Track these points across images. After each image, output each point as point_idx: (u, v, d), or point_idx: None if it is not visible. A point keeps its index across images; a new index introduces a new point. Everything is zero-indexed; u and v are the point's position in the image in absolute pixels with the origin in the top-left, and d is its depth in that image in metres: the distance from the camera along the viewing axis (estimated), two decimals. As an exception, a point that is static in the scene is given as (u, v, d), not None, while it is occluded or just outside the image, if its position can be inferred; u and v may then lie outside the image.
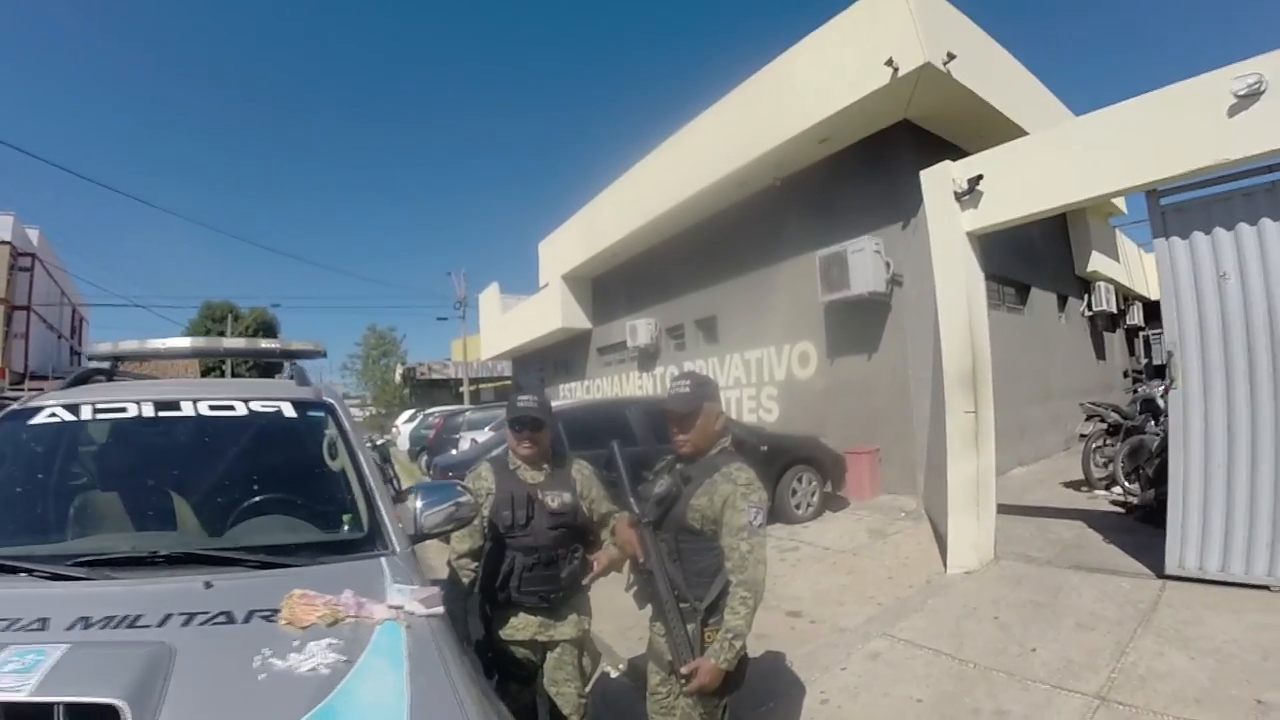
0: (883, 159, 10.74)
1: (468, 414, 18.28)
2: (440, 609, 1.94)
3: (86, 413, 2.82)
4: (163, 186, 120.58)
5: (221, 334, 45.84)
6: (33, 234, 37.84)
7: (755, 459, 8.60)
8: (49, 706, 1.35)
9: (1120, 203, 15.33)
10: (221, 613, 1.80)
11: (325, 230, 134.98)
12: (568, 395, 21.69)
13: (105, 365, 3.88)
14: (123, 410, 2.84)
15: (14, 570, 2.06)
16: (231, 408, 2.91)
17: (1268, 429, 5.20)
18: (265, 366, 30.67)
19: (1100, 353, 16.50)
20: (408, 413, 27.15)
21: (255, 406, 2.95)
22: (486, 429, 12.54)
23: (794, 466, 9.34)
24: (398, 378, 46.63)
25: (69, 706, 1.35)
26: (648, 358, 17.92)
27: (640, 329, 17.43)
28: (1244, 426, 5.32)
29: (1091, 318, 15.84)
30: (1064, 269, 15.10)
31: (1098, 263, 15.25)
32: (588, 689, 3.34)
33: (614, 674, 4.71)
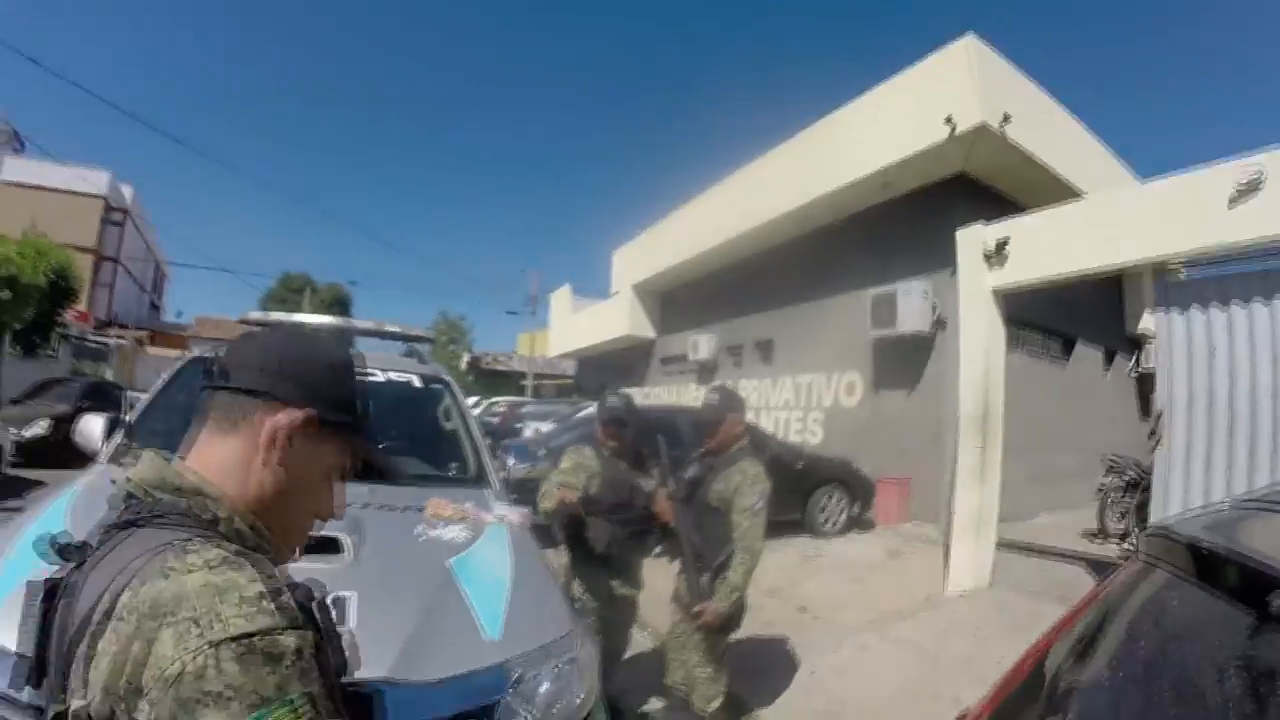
0: (939, 207, 11.32)
1: (529, 406, 19.16)
2: (529, 523, 2.93)
3: None
4: (253, 158, 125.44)
5: (298, 305, 48.05)
6: (126, 191, 39.68)
7: (790, 475, 9.45)
8: None
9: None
10: (385, 505, 2.78)
11: (405, 216, 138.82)
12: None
13: (256, 330, 4.86)
14: None
15: None
16: (372, 374, 3.89)
17: (1240, 492, 5.80)
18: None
19: (1146, 411, 16.70)
20: (472, 399, 27.97)
21: (391, 376, 4.00)
22: (549, 420, 13.42)
23: (825, 485, 10.12)
24: (463, 365, 47.77)
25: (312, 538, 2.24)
26: (707, 372, 18.64)
27: (702, 344, 18.26)
28: (1219, 489, 5.91)
29: (1139, 377, 16.08)
30: (1114, 326, 15.43)
31: (1150, 323, 15.49)
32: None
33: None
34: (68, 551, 0.86)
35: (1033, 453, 10.89)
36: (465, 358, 48.38)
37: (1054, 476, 12.33)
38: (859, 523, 10.59)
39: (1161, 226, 6.19)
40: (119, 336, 35.75)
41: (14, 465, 11.23)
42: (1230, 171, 5.84)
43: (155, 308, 51.74)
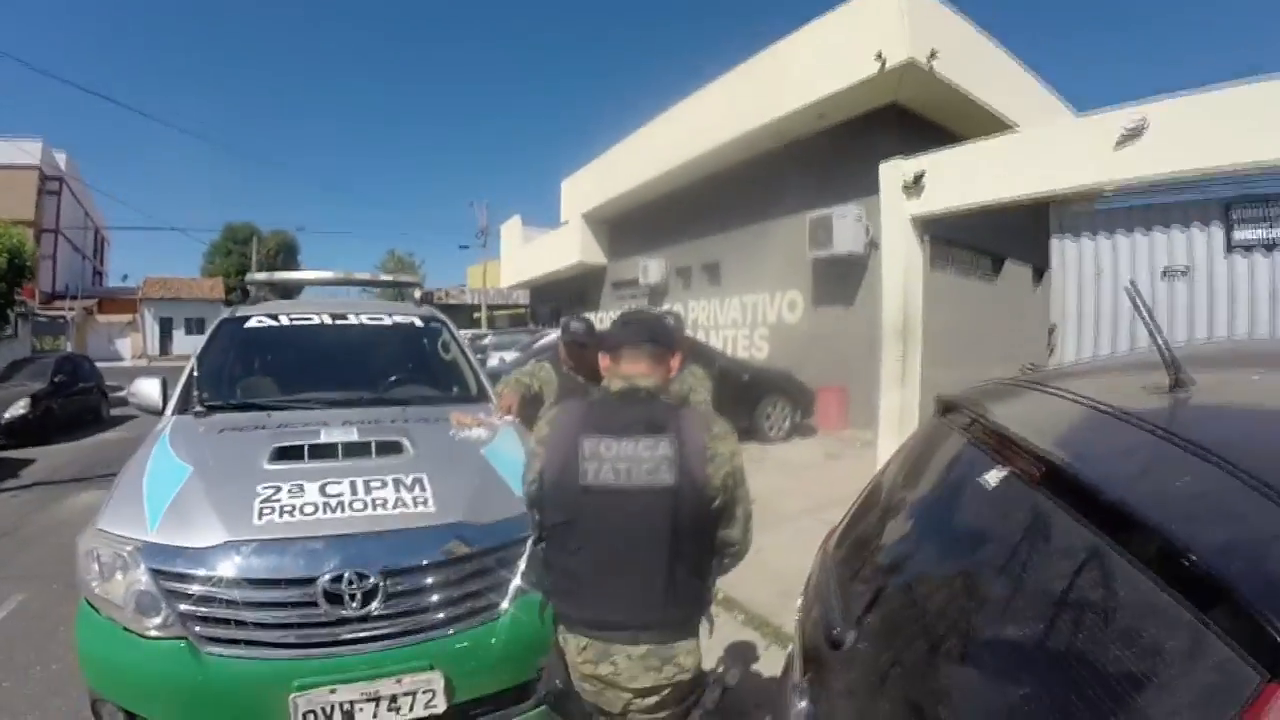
0: (872, 136, 12.04)
1: (490, 337, 19.76)
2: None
3: (285, 320, 4.55)
4: (184, 105, 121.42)
5: (245, 256, 47.92)
6: (60, 157, 38.95)
7: (738, 386, 10.38)
8: (367, 444, 3.08)
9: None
10: (420, 419, 3.58)
11: (347, 155, 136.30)
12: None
13: (263, 290, 5.54)
14: (309, 319, 4.57)
15: (282, 408, 3.77)
16: (381, 319, 4.68)
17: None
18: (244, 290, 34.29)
19: (1071, 323, 17.80)
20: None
21: (397, 319, 4.79)
22: (513, 349, 14.16)
23: (769, 395, 11.06)
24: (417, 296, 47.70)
25: (378, 443, 3.07)
26: (658, 295, 19.47)
27: (652, 268, 19.08)
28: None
29: (1064, 291, 17.09)
30: (1043, 244, 16.34)
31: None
32: None
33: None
34: (654, 428, 2.02)
35: (964, 364, 11.77)
36: (416, 294, 48.31)
37: (984, 385, 13.27)
38: (801, 429, 11.56)
39: (1058, 164, 7.06)
40: (69, 308, 35.53)
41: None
42: (1118, 118, 6.69)
43: (99, 274, 50.84)
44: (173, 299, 44.72)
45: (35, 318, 28.66)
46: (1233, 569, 0.82)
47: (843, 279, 12.77)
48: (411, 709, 2.43)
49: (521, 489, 2.28)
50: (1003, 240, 14.09)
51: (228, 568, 2.44)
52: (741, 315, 16.06)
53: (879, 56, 10.70)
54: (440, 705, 2.46)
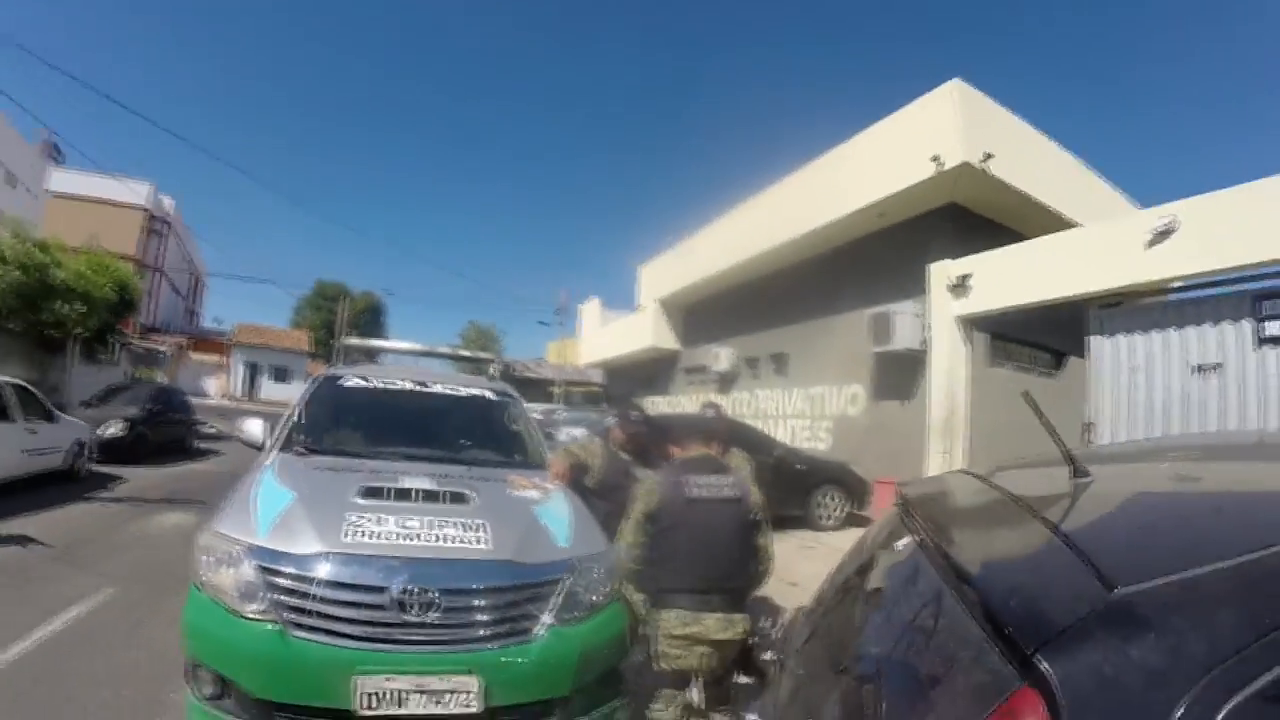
0: (930, 234, 12.52)
1: (561, 413, 20.44)
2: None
3: (376, 383, 5.25)
4: (284, 168, 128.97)
5: (333, 313, 50.25)
6: (168, 202, 41.85)
7: (792, 474, 10.74)
8: (439, 492, 3.69)
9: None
10: (484, 478, 4.17)
11: (437, 228, 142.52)
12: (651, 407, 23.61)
13: (354, 352, 6.31)
14: (395, 384, 5.25)
15: (370, 457, 4.41)
16: (458, 390, 5.39)
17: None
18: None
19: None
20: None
21: (472, 391, 5.51)
22: (581, 426, 14.75)
23: (824, 485, 11.35)
24: (493, 371, 48.91)
25: (449, 492, 3.68)
26: (727, 382, 20.05)
27: (723, 356, 19.67)
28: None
29: (1131, 387, 17.07)
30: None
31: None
32: None
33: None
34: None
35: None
36: (491, 369, 49.44)
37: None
38: (856, 520, 11.71)
39: (1093, 265, 7.45)
40: (165, 343, 37.67)
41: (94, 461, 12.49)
42: (1148, 219, 7.08)
43: (193, 314, 53.72)
44: (262, 346, 47.41)
45: (132, 348, 30.34)
46: (1010, 605, 1.20)
47: (902, 374, 13.02)
48: (452, 705, 2.94)
49: (567, 539, 3.56)
50: (1064, 334, 14.23)
51: (320, 571, 3.03)
52: (807, 406, 16.49)
53: (935, 159, 11.21)
54: (475, 706, 2.96)
